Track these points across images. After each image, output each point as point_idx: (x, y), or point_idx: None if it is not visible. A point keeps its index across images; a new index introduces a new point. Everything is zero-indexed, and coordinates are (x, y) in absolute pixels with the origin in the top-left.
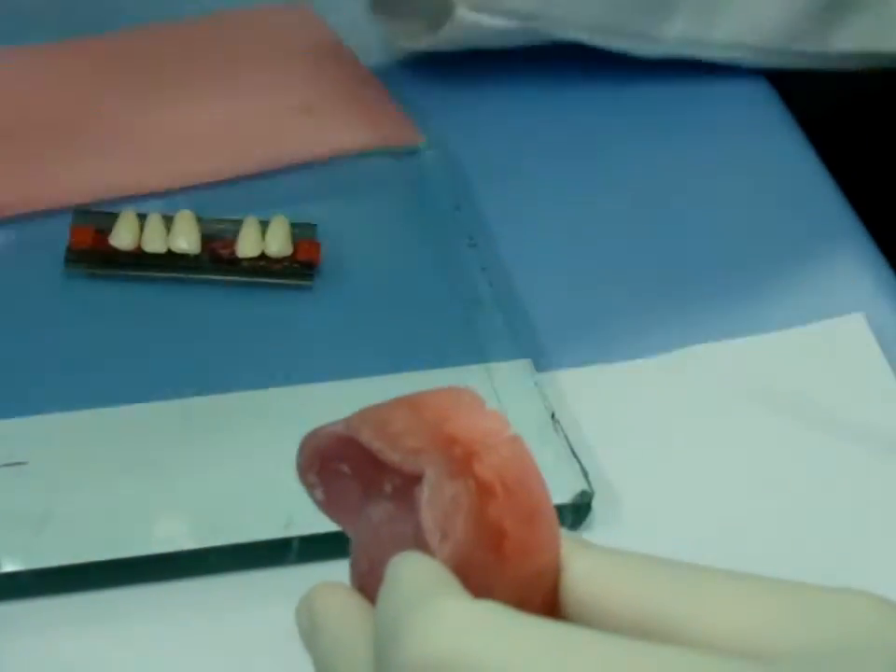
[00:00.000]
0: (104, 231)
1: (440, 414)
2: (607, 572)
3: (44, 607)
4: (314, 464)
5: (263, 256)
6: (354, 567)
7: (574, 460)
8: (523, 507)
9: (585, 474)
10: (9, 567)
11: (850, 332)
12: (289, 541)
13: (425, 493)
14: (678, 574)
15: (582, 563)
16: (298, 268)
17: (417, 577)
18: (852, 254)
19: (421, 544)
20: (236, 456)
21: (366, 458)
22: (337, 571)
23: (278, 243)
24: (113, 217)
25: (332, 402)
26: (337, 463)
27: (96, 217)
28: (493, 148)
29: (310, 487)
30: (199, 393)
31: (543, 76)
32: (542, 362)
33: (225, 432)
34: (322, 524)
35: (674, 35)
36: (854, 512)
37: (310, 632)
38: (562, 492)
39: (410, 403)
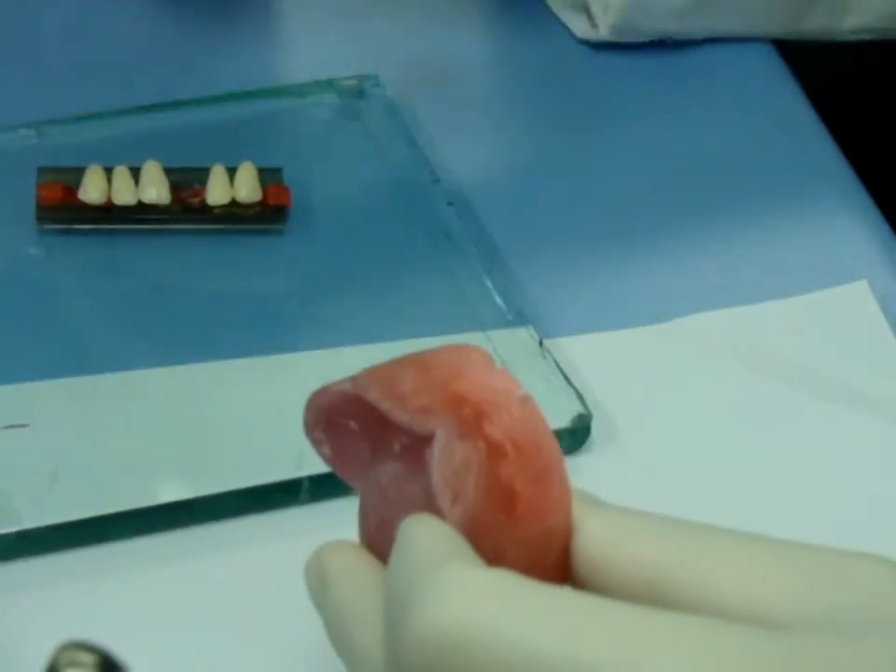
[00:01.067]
0: (72, 187)
1: (448, 373)
2: (619, 533)
3: (59, 561)
4: (319, 420)
5: (234, 202)
6: (362, 526)
7: (570, 386)
8: (534, 467)
9: (581, 398)
10: (24, 525)
11: (854, 300)
12: (300, 481)
13: (435, 455)
14: (691, 536)
15: (594, 523)
16: (269, 212)
17: (428, 542)
18: (856, 221)
19: (432, 506)
20: (239, 408)
21: (374, 417)
22: (346, 510)
23: (247, 188)
24: (80, 171)
25: (331, 365)
26: (345, 419)
27: (63, 173)
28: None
29: (316, 444)
30: (180, 342)
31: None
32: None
33: (225, 389)
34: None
35: (808, 31)
36: (855, 478)
37: (320, 591)
38: (559, 416)
39: (418, 362)
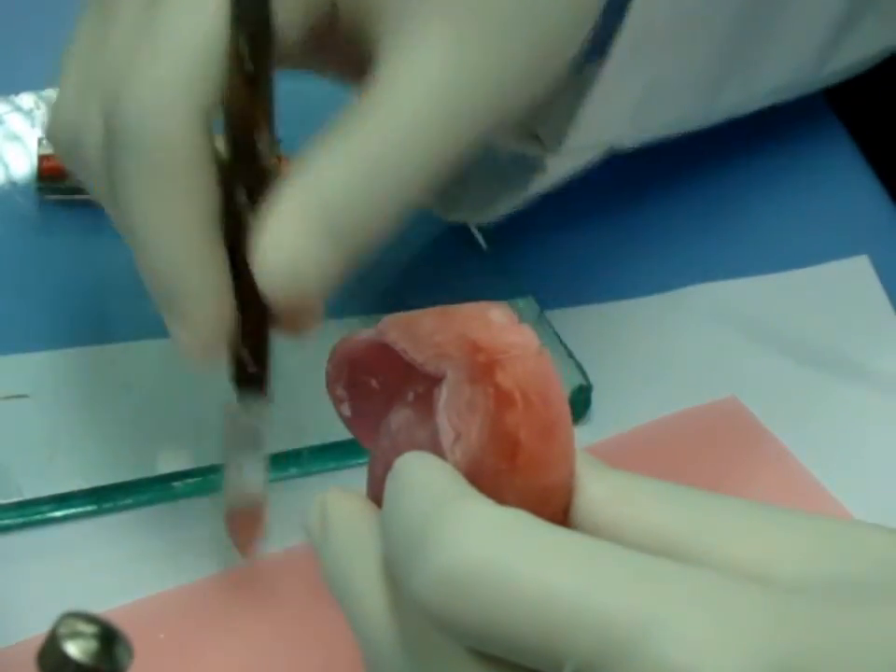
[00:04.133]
0: None
1: (468, 323)
2: (624, 498)
3: (59, 532)
4: (342, 372)
5: None
6: (370, 475)
7: (570, 357)
8: (541, 420)
9: (581, 369)
10: (24, 495)
11: (854, 274)
12: (300, 452)
13: (443, 394)
14: (696, 504)
15: (599, 487)
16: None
17: (433, 480)
18: (857, 196)
19: (435, 449)
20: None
21: (393, 368)
22: (344, 481)
23: None
24: None
25: (330, 337)
26: (366, 377)
27: None
28: None
29: (338, 402)
30: None
31: None
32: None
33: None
34: (329, 434)
35: (723, 108)
36: (854, 450)
37: (320, 535)
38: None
39: (440, 311)
